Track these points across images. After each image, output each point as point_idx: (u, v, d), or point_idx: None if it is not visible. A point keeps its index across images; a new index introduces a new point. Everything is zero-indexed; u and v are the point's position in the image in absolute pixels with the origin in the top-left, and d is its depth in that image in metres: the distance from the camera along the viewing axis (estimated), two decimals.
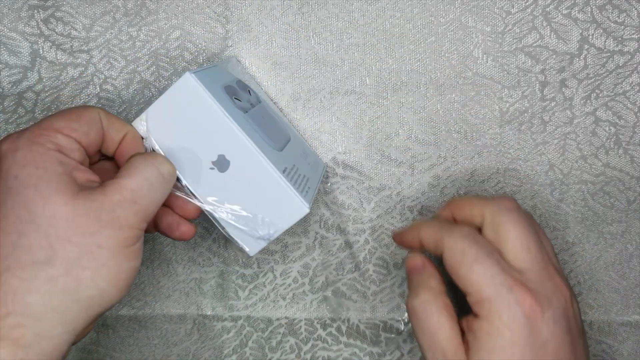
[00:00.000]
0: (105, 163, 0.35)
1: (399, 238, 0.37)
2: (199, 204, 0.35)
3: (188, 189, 0.35)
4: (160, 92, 0.41)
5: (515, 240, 0.32)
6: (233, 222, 0.35)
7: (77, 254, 0.28)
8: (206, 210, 0.35)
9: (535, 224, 0.35)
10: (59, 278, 0.27)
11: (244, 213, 0.35)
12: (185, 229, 0.35)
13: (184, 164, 0.35)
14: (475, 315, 0.31)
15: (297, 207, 0.35)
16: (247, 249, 0.36)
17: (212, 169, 0.35)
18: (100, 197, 0.29)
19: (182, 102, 0.34)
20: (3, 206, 0.28)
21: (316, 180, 0.39)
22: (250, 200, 0.35)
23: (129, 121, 0.35)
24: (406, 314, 0.44)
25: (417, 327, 0.33)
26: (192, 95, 0.34)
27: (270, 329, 0.45)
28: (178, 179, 0.35)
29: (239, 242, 0.36)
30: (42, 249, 0.27)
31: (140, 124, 0.35)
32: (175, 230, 0.34)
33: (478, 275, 0.31)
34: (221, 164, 0.35)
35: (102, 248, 0.28)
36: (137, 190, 0.30)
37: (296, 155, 0.38)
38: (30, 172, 0.28)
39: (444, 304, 0.33)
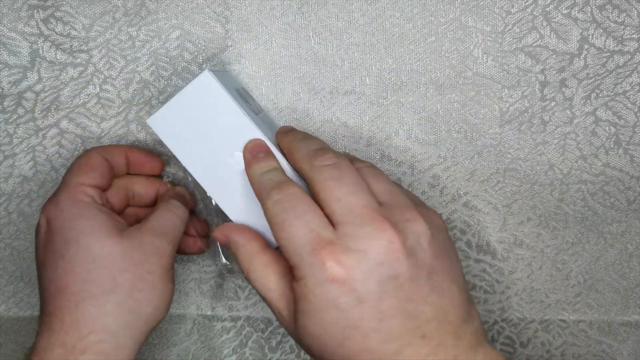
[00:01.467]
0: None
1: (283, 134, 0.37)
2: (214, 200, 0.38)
3: (194, 184, 0.37)
4: (161, 92, 0.41)
5: (325, 193, 0.31)
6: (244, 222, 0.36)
7: (133, 281, 0.35)
8: (217, 206, 0.36)
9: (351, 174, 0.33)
10: (123, 302, 0.34)
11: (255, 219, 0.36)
12: (199, 245, 0.42)
13: (197, 161, 0.36)
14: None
15: None
16: None
17: (226, 165, 0.36)
18: (139, 234, 0.36)
19: (199, 100, 0.35)
20: (67, 253, 0.35)
21: None
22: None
23: (138, 120, 0.35)
24: None
25: (256, 285, 0.34)
26: (211, 93, 0.35)
27: (270, 329, 0.45)
28: (189, 175, 0.37)
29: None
30: (107, 281, 0.34)
31: (156, 122, 0.36)
32: (192, 247, 0.41)
33: (285, 242, 0.31)
34: (238, 161, 0.36)
35: (151, 274, 0.36)
36: (164, 227, 0.37)
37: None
38: (82, 223, 0.35)
39: (268, 259, 0.33)
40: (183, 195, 0.41)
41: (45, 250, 0.36)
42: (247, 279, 0.34)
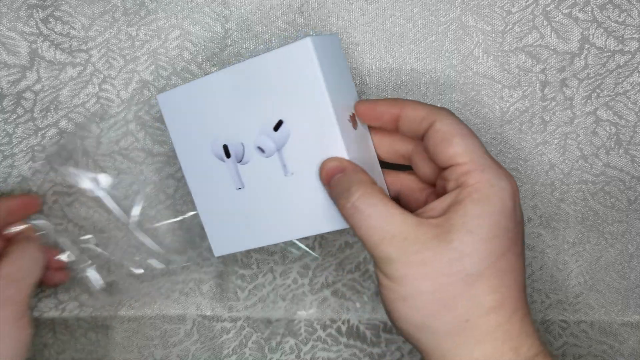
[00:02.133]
0: None
1: (368, 108, 0.34)
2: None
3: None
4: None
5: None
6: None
7: None
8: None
9: None
10: None
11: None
12: (58, 278, 0.42)
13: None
14: (461, 190, 0.30)
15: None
16: None
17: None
18: None
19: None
20: None
21: None
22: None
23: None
24: None
25: (364, 224, 0.30)
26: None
27: (269, 329, 0.45)
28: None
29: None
30: None
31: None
32: (50, 281, 0.42)
33: (472, 146, 0.31)
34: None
35: (6, 323, 0.35)
36: (19, 272, 0.37)
37: None
38: None
39: (384, 193, 0.31)
40: (34, 238, 0.41)
41: None
42: (355, 214, 0.30)
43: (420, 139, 0.33)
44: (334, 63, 0.34)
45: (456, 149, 0.31)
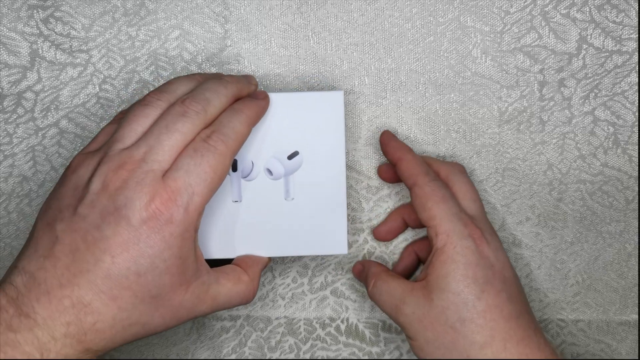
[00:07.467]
0: None
1: (389, 140, 0.41)
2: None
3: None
4: None
5: (466, 193, 0.38)
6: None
7: None
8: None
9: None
10: None
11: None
12: None
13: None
14: (434, 252, 0.36)
15: (340, 243, 0.38)
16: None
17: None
18: None
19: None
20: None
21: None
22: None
23: None
24: None
25: (383, 302, 0.38)
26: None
27: (269, 328, 0.45)
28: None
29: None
30: None
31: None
32: None
33: (442, 211, 0.36)
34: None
35: None
36: None
37: None
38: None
39: (391, 275, 0.39)
40: None
41: None
42: (376, 297, 0.39)
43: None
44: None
45: (429, 213, 0.37)
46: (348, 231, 0.42)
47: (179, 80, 0.35)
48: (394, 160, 0.39)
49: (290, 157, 0.37)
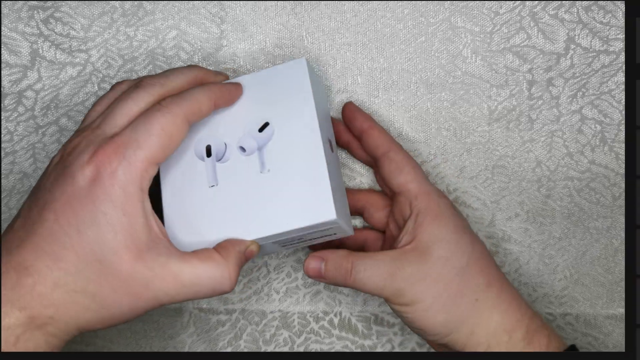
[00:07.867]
0: None
1: (352, 109, 0.40)
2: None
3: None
4: None
5: (410, 160, 0.39)
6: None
7: None
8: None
9: None
10: None
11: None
12: None
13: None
14: (416, 213, 0.37)
15: (327, 210, 0.34)
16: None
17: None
18: None
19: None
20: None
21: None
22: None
23: None
24: None
25: (369, 277, 0.35)
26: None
27: (264, 322, 0.46)
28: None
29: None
30: None
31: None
32: None
33: (420, 174, 0.38)
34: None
35: None
36: None
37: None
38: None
39: (363, 252, 0.36)
40: None
41: None
42: (357, 283, 0.36)
43: (374, 162, 0.40)
44: (318, 90, 0.38)
45: (407, 177, 0.38)
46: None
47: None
48: (363, 129, 0.39)
49: (261, 130, 0.36)
